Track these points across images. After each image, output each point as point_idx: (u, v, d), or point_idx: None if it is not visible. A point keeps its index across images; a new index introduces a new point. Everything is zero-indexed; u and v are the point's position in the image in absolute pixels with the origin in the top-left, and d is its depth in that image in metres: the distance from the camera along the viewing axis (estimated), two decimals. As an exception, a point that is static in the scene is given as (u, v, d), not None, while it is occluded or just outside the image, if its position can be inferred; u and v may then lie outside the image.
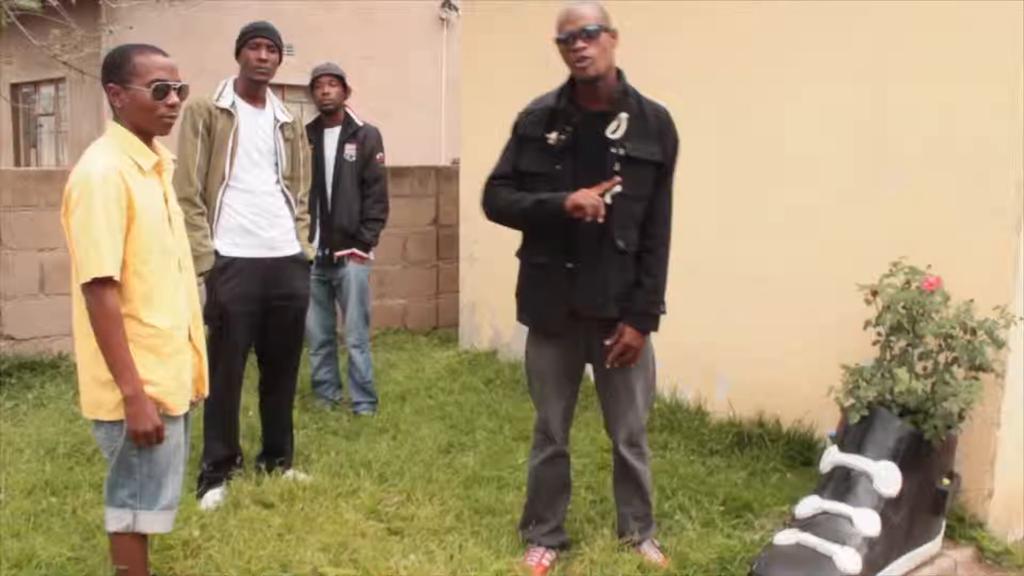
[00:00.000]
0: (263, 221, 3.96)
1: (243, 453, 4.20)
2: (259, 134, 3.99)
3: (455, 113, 12.15)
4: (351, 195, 5.10)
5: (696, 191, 4.77)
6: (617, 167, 3.10)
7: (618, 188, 3.09)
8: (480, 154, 6.24)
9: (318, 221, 5.10)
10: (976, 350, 3.52)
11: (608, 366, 3.24)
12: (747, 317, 4.68)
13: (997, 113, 3.69)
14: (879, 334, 3.80)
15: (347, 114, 5.19)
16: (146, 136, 2.72)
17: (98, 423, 2.68)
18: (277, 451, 4.25)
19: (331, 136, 5.17)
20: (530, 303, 3.29)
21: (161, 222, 2.71)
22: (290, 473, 4.19)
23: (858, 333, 3.91)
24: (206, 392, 2.98)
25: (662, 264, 3.26)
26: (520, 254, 3.36)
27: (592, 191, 2.99)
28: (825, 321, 4.28)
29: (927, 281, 3.65)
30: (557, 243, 3.14)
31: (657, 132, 3.17)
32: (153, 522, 2.76)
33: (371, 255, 5.21)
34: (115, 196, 2.54)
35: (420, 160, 10.32)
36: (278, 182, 4.04)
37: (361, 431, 4.84)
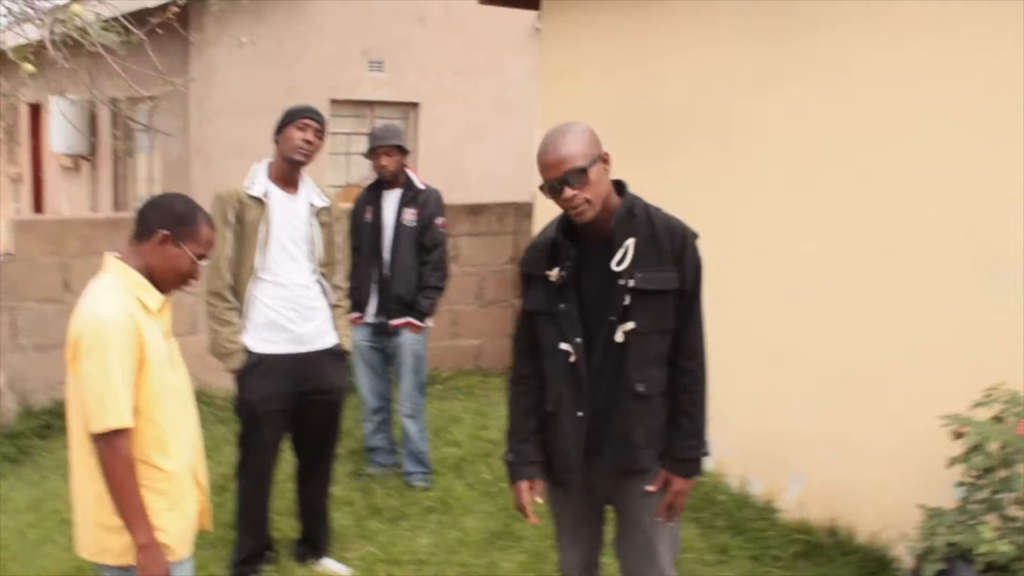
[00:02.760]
0: (296, 316, 3.78)
1: (275, 544, 4.07)
2: (293, 223, 3.80)
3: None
4: (409, 262, 4.86)
5: (789, 276, 4.41)
6: (627, 301, 2.71)
7: (631, 324, 2.72)
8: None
9: (375, 287, 4.89)
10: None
11: (657, 519, 2.88)
12: (831, 414, 4.25)
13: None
14: (965, 474, 3.37)
15: (408, 177, 4.94)
16: (156, 282, 2.61)
17: (103, 566, 2.58)
18: (312, 539, 4.10)
19: (390, 199, 4.92)
20: (548, 452, 2.89)
21: (166, 362, 2.59)
22: (324, 562, 4.05)
23: (950, 450, 3.48)
24: (210, 526, 2.85)
25: (701, 403, 2.85)
26: None
27: None
28: (914, 431, 3.84)
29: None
30: (569, 389, 2.79)
31: (672, 255, 2.74)
32: None
33: (428, 323, 4.98)
34: (127, 342, 2.43)
35: (515, 175, 10.06)
36: (313, 271, 3.85)
37: (408, 511, 4.64)
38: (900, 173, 3.96)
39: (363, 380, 5.07)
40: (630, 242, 2.70)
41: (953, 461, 3.38)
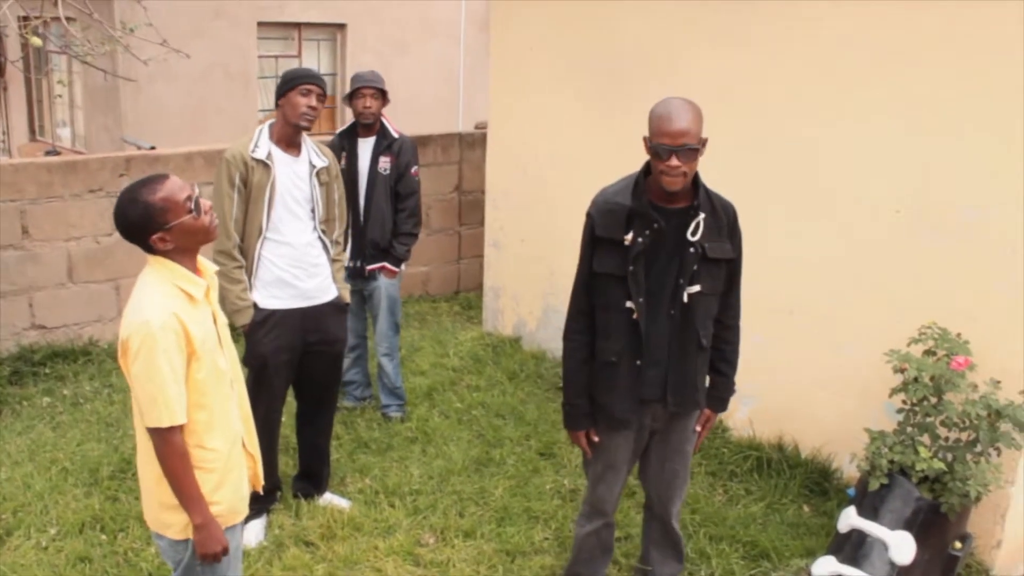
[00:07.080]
0: (301, 273, 4.00)
1: (281, 484, 4.36)
2: (296, 183, 3.97)
3: (475, 45, 11.80)
4: (384, 209, 5.08)
5: (747, 220, 4.79)
6: (696, 267, 3.13)
7: (697, 287, 3.14)
8: (508, 138, 6.22)
9: (350, 232, 5.10)
10: (1000, 435, 3.62)
11: (695, 450, 3.47)
12: (776, 345, 4.74)
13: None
14: (904, 401, 3.90)
15: (383, 125, 5.11)
16: (193, 254, 2.72)
17: (161, 536, 2.80)
18: (314, 477, 4.41)
19: (365, 147, 5.10)
20: (603, 398, 3.29)
21: (215, 347, 2.74)
22: (326, 497, 4.38)
23: (883, 374, 4.01)
24: (261, 486, 3.09)
25: (737, 355, 3.41)
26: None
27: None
28: (853, 357, 4.38)
29: (956, 361, 3.71)
30: (630, 342, 3.17)
31: (728, 229, 3.19)
32: None
33: (402, 267, 5.24)
34: (175, 343, 2.56)
35: (437, 96, 10.17)
36: (315, 229, 4.06)
37: (392, 442, 4.99)
38: (849, 127, 4.36)
39: None
40: (702, 215, 3.10)
41: (894, 391, 3.90)
